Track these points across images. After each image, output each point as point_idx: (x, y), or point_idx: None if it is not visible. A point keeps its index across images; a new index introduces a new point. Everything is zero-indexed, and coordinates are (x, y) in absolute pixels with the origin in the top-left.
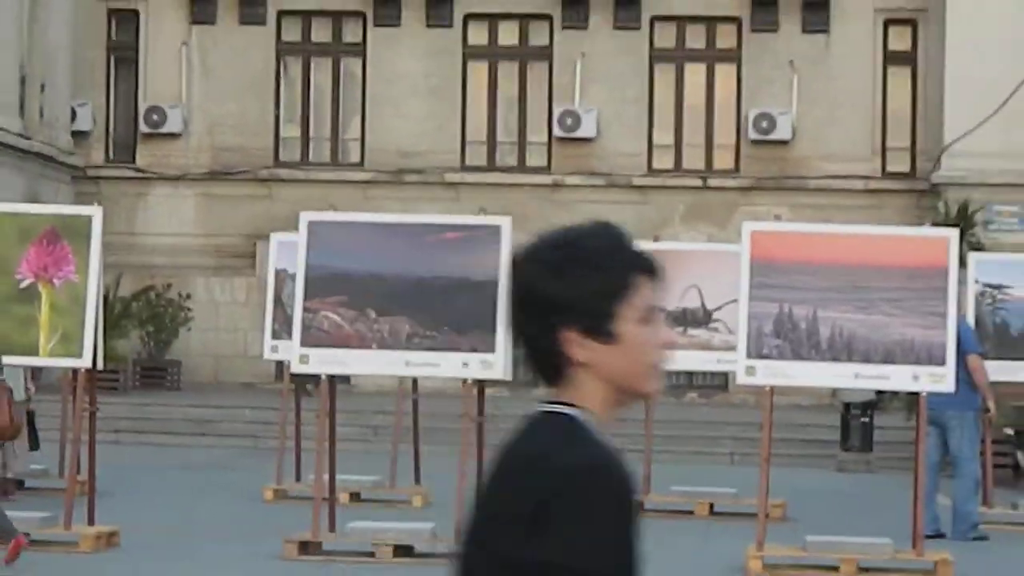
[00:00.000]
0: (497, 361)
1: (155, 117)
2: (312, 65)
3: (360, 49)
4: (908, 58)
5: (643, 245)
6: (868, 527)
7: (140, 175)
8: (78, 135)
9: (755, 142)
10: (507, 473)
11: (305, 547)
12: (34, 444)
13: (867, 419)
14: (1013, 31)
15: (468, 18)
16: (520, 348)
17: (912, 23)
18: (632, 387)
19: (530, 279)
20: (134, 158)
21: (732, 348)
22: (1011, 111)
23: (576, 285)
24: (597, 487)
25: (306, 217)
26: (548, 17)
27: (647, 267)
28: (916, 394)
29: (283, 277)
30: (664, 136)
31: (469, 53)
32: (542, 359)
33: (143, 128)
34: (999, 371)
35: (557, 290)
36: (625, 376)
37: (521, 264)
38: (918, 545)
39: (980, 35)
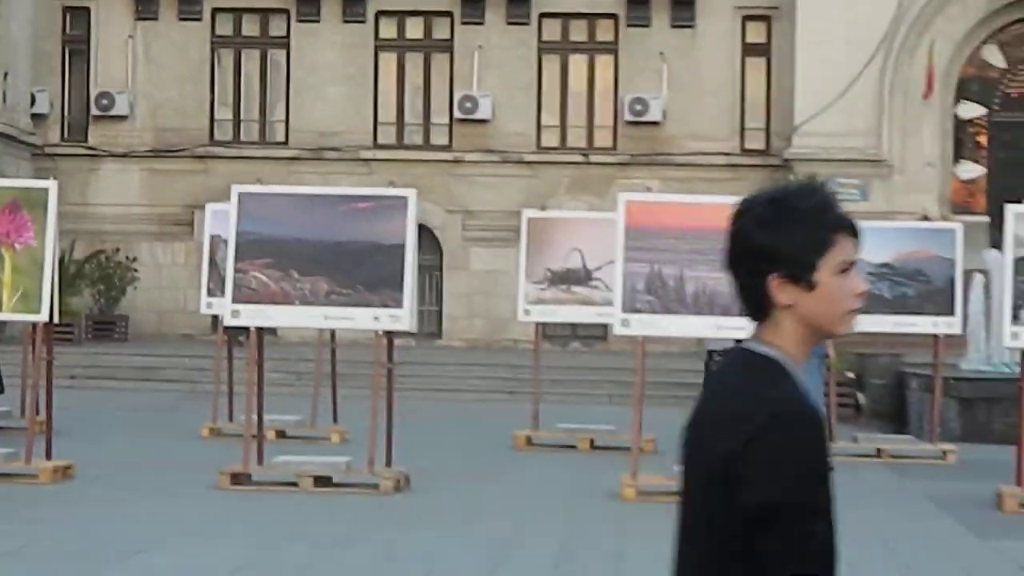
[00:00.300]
0: (404, 315)
1: (105, 101)
2: (242, 56)
3: (285, 42)
4: (763, 50)
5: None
6: None
7: (92, 152)
8: (37, 117)
9: (630, 123)
10: (718, 413)
11: (237, 478)
12: None
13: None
14: (854, 29)
15: (379, 14)
16: (734, 289)
17: (767, 19)
18: (825, 328)
19: (745, 230)
20: (86, 137)
21: (610, 303)
22: (851, 97)
23: (783, 238)
24: (796, 427)
25: (237, 189)
26: (449, 14)
27: (847, 227)
28: None
29: (217, 242)
30: (551, 118)
31: (380, 45)
32: (751, 300)
33: (94, 111)
34: None
35: (767, 241)
36: (820, 318)
37: (739, 216)
38: None
39: (825, 31)
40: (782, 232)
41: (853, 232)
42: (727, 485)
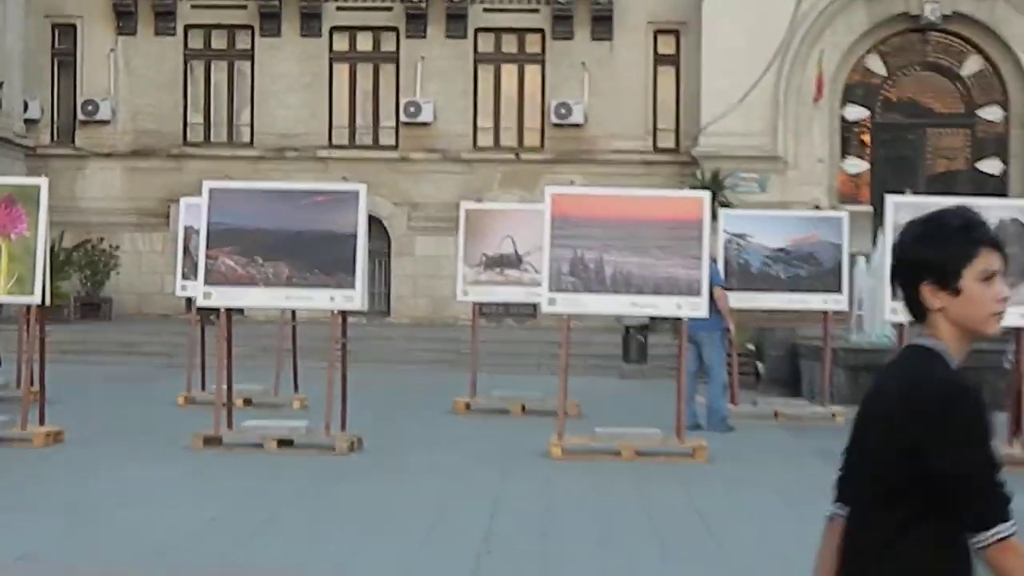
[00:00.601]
0: (356, 296)
1: (90, 108)
2: (212, 67)
3: (249, 54)
4: (673, 60)
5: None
6: (643, 421)
7: (78, 153)
8: (29, 122)
9: (556, 125)
10: (894, 396)
11: (209, 441)
12: None
13: (643, 338)
14: (752, 41)
15: (333, 30)
16: (897, 295)
17: (676, 33)
18: (973, 329)
19: (903, 245)
20: (74, 140)
21: (538, 284)
22: (750, 101)
23: (933, 252)
24: (967, 408)
25: (208, 185)
26: (395, 29)
27: (990, 241)
28: (679, 318)
29: (190, 232)
30: (485, 121)
31: (334, 57)
32: (911, 304)
33: (80, 116)
34: (742, 301)
35: (919, 254)
36: (967, 320)
37: (901, 235)
38: (681, 434)
39: (727, 44)
40: (932, 247)
41: (996, 246)
42: (916, 457)
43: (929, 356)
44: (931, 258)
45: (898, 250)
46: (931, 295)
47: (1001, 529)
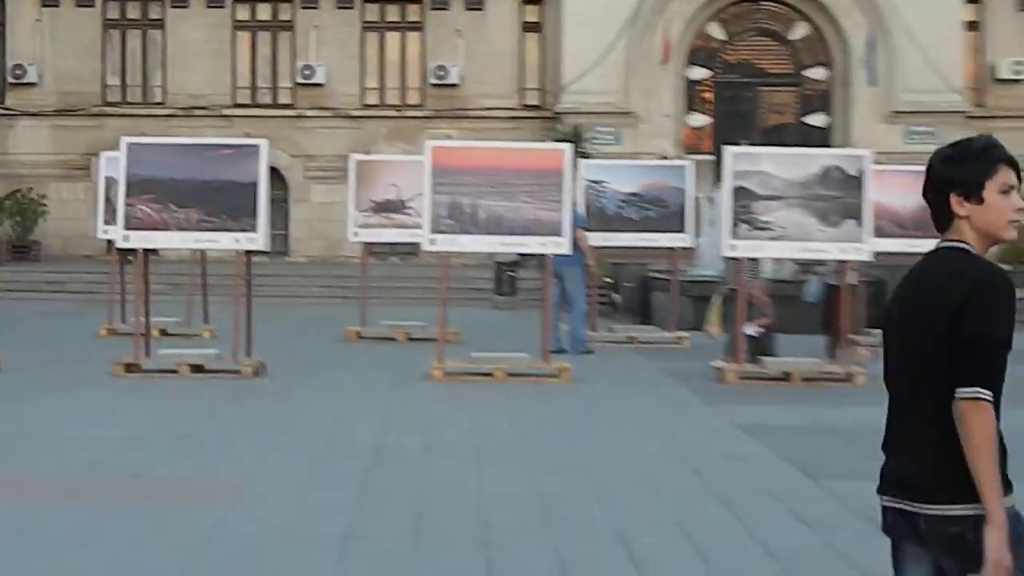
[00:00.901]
0: (259, 237)
1: (19, 72)
2: (127, 35)
3: (161, 23)
4: (538, 27)
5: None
6: (514, 346)
7: (9, 113)
8: None
9: (434, 85)
10: (937, 281)
11: (129, 367)
12: None
13: (513, 273)
14: (608, 10)
15: (235, 1)
16: (930, 208)
17: (541, 2)
18: (993, 234)
19: (935, 165)
20: (4, 101)
21: (420, 226)
22: (606, 63)
23: (960, 168)
24: (1001, 287)
25: (125, 140)
26: (291, 0)
27: (1008, 159)
28: (544, 255)
29: (111, 182)
30: (372, 82)
31: (236, 26)
32: (940, 214)
33: (10, 79)
34: (599, 240)
35: (948, 171)
36: (988, 226)
37: (932, 159)
38: (547, 357)
39: (585, 12)
40: (959, 164)
41: (1012, 164)
42: (950, 324)
43: (965, 252)
44: (959, 173)
45: (931, 171)
46: (958, 205)
47: (983, 393)
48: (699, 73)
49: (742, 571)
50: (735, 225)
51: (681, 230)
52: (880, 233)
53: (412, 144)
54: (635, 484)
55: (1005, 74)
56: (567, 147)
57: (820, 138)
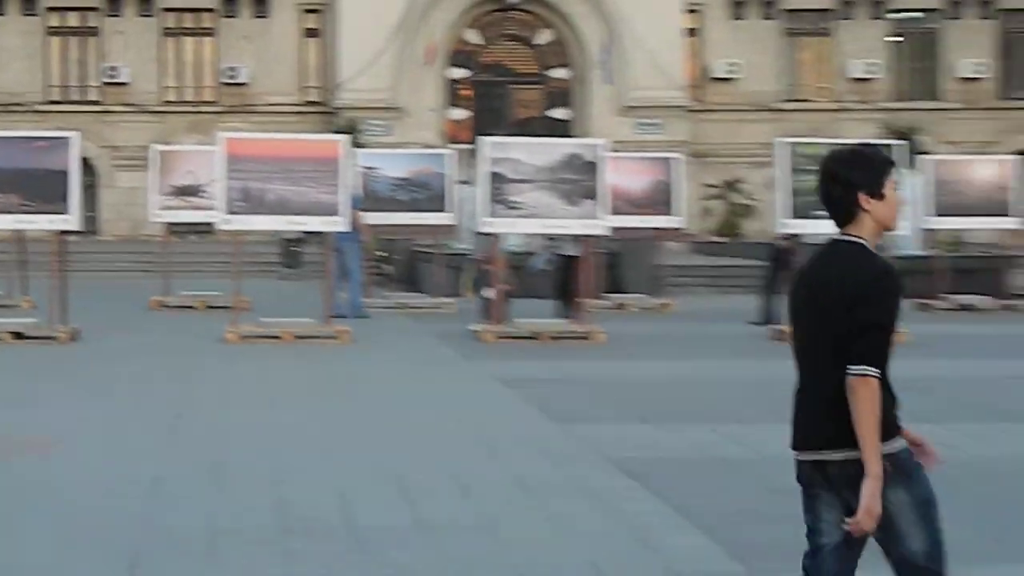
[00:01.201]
0: (72, 219)
1: None
2: None
3: None
4: (318, 33)
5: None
6: (299, 312)
7: None
8: None
9: (226, 84)
10: (837, 273)
11: None
12: None
13: (297, 248)
14: (379, 18)
15: (48, 10)
16: (829, 205)
17: (320, 11)
18: (888, 225)
19: (839, 169)
20: None
21: (215, 208)
22: (378, 65)
23: (866, 171)
24: (891, 280)
25: None
26: (98, 9)
27: (892, 163)
28: (325, 232)
29: None
30: (171, 81)
31: (49, 32)
32: (844, 210)
33: None
34: (374, 219)
35: (855, 173)
36: (885, 219)
37: (833, 163)
38: (328, 322)
39: (359, 20)
40: (864, 167)
41: (894, 166)
42: (848, 310)
43: (861, 247)
44: (865, 175)
45: (834, 174)
46: (865, 202)
47: (870, 370)
48: (459, 73)
49: (499, 501)
50: (491, 205)
51: (443, 210)
52: (615, 211)
53: (207, 136)
54: (407, 429)
55: (719, 73)
56: (344, 138)
57: (563, 130)
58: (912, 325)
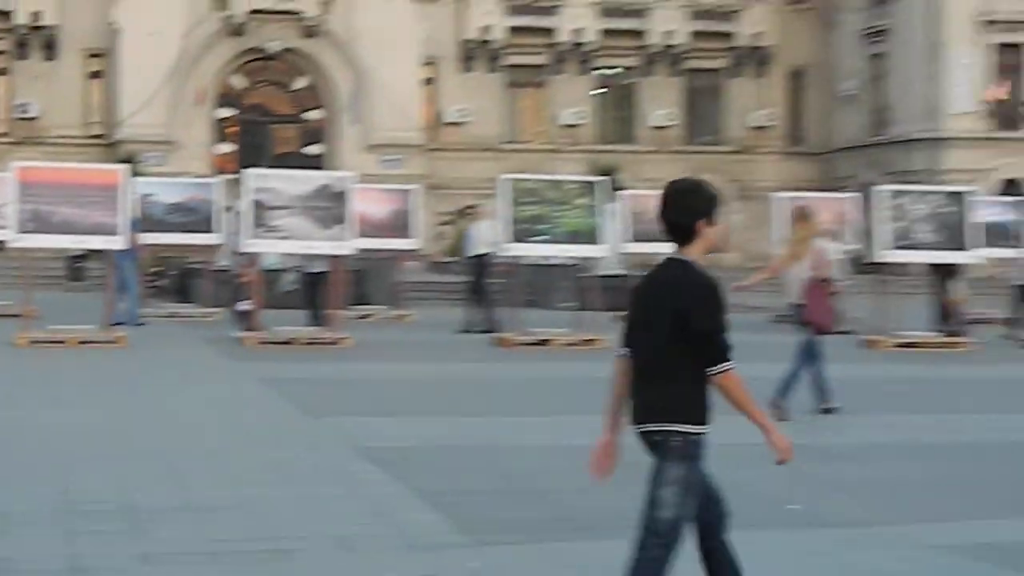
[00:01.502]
0: None
1: None
2: None
3: None
4: (102, 74)
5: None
6: (83, 321)
7: None
8: None
9: (18, 119)
10: (663, 286)
11: None
12: None
13: (81, 264)
14: (155, 62)
15: None
16: (670, 229)
17: (103, 55)
18: (715, 246)
19: (684, 199)
20: None
21: (7, 228)
22: (155, 104)
23: (707, 202)
24: (715, 292)
25: None
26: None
27: (718, 197)
28: (106, 250)
29: None
30: None
31: None
32: (684, 232)
33: None
34: (151, 239)
35: (699, 203)
36: (715, 240)
37: (676, 192)
38: (108, 329)
39: (137, 64)
40: (706, 199)
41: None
42: (683, 318)
43: (690, 263)
44: (706, 205)
45: (682, 202)
46: (704, 227)
47: (726, 365)
48: (226, 112)
49: (257, 484)
50: (253, 228)
51: (211, 231)
52: (362, 235)
53: (1, 165)
54: (178, 422)
55: (452, 118)
56: (124, 168)
57: (316, 163)
58: (612, 335)
